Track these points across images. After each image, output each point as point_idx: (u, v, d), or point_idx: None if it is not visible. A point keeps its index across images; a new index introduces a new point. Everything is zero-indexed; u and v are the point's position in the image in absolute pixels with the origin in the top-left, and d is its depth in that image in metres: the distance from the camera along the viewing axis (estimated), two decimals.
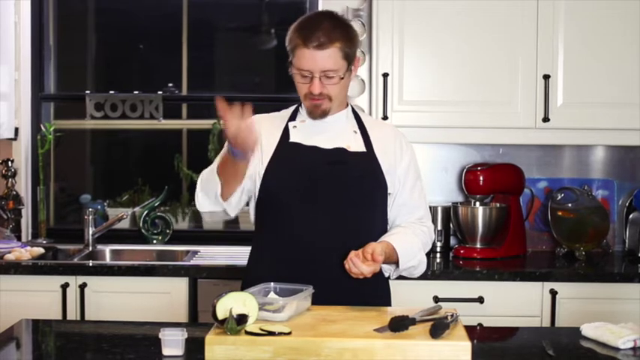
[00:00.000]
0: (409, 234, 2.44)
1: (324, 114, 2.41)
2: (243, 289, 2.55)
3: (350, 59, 2.38)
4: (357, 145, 2.44)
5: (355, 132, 2.47)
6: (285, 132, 2.46)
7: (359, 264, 2.26)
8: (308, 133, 2.44)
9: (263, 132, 2.43)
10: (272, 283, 2.26)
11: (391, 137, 2.50)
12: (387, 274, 2.48)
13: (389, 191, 2.45)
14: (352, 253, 2.27)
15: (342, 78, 2.37)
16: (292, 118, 2.50)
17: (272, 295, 2.21)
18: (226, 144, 2.26)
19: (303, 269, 2.35)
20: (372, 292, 2.42)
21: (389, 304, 2.50)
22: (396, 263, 2.40)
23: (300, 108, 2.50)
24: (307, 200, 2.37)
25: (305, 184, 2.38)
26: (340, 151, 2.41)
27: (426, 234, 2.50)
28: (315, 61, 2.32)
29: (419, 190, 2.52)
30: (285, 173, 2.41)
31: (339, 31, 2.35)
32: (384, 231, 2.46)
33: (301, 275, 2.31)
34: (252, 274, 2.46)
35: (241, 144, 2.18)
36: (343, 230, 2.37)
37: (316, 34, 2.31)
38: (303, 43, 2.32)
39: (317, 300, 2.25)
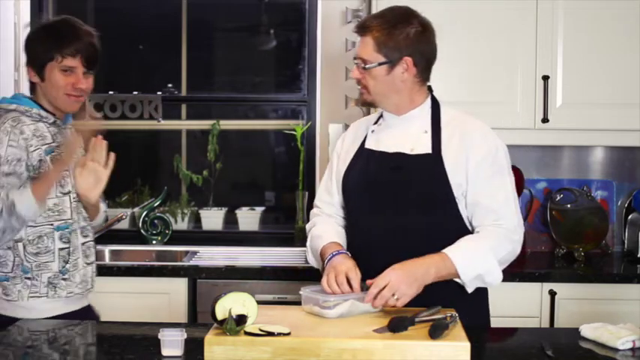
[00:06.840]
0: (476, 240, 2.31)
1: (365, 104, 2.43)
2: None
3: (389, 55, 2.32)
4: (422, 147, 2.36)
5: (426, 132, 2.39)
6: (365, 137, 2.49)
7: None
8: (381, 136, 2.45)
9: (349, 140, 2.52)
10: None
11: (466, 133, 2.36)
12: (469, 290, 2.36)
13: (457, 192, 2.32)
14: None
15: (368, 69, 2.32)
16: (378, 119, 2.51)
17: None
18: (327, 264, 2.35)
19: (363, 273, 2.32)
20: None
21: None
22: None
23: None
24: (369, 207, 2.39)
25: (370, 190, 2.40)
26: (399, 156, 2.38)
27: (499, 235, 2.31)
28: (358, 46, 2.36)
29: (495, 189, 2.33)
30: (355, 180, 2.44)
31: (382, 23, 2.32)
32: (454, 233, 2.32)
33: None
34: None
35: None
36: (399, 237, 2.33)
37: (367, 19, 2.36)
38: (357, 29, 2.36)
39: None
